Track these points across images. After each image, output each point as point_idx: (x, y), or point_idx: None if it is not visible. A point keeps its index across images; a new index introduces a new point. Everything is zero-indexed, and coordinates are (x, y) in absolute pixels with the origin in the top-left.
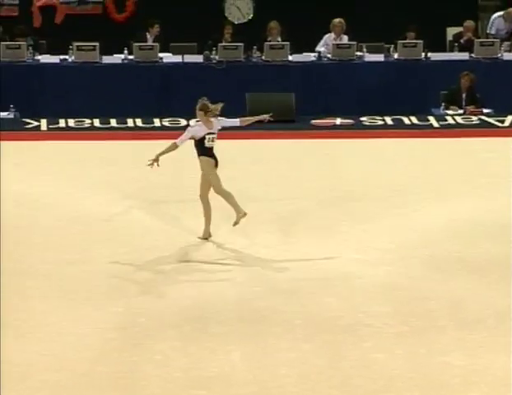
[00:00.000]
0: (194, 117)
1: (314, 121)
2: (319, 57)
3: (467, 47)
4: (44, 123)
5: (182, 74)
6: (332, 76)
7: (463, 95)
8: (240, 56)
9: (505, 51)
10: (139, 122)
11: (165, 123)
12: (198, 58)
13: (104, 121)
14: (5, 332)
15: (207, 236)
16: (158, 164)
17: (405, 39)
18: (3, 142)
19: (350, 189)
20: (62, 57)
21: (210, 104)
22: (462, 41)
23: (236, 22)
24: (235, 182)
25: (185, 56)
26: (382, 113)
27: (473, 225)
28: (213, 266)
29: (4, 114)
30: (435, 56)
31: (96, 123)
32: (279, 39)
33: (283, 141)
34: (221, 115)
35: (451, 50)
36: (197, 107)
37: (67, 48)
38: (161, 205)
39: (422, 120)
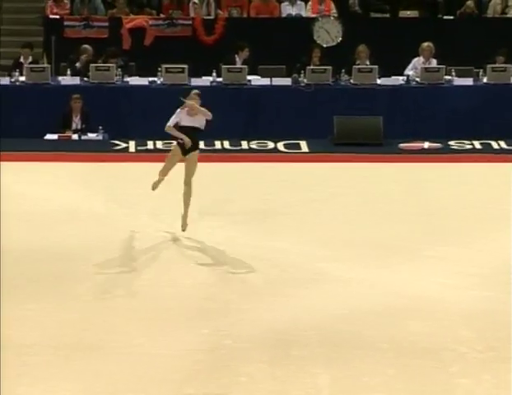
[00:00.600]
0: (282, 139)
1: (401, 144)
2: (408, 80)
3: None
4: (132, 145)
5: (270, 97)
6: (421, 100)
7: None
8: (329, 79)
9: None
10: (226, 144)
11: (253, 145)
12: (287, 81)
13: None
14: (91, 353)
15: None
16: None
17: (494, 63)
18: (92, 164)
19: (436, 213)
20: (150, 79)
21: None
22: None
23: (325, 45)
24: (319, 204)
25: (274, 79)
26: (470, 138)
27: None
28: (298, 290)
29: (93, 136)
30: None
31: None
32: (367, 62)
33: (371, 164)
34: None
35: None
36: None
37: (156, 70)
38: (247, 225)
39: (511, 145)
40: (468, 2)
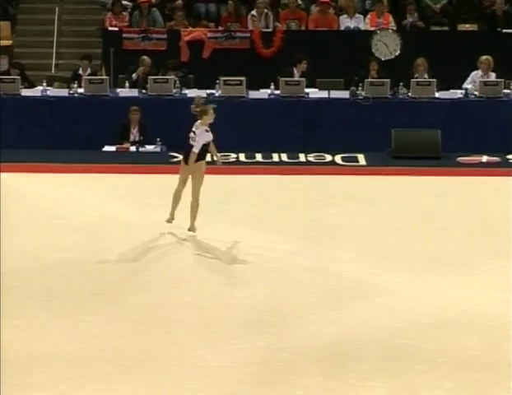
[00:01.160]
0: (340, 152)
1: (459, 158)
2: (466, 94)
3: None
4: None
5: (328, 109)
6: (479, 114)
7: None
8: (387, 92)
9: None
10: (284, 157)
11: (310, 158)
12: (345, 94)
13: (250, 155)
14: (149, 364)
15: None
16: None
17: None
18: (150, 176)
19: (495, 227)
20: (208, 91)
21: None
22: None
23: (383, 59)
24: (376, 216)
25: (331, 91)
26: None
27: None
28: (354, 302)
29: (151, 148)
30: None
31: (242, 157)
32: (426, 75)
33: (429, 177)
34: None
35: None
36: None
37: (214, 82)
38: (304, 240)
39: None
40: None
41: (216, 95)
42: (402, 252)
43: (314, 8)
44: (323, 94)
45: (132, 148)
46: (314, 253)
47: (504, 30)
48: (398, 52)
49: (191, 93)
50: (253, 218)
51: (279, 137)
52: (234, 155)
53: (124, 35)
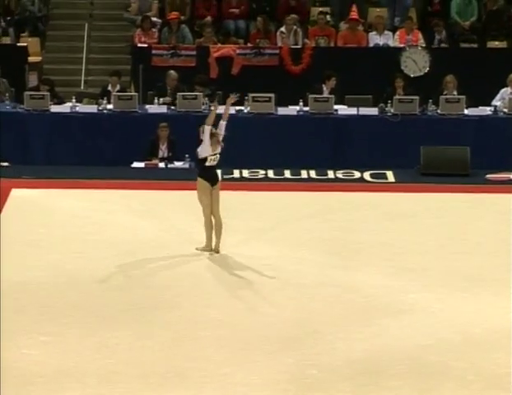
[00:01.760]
0: (368, 169)
1: (488, 175)
2: (495, 111)
3: None
4: (218, 173)
5: (356, 126)
6: (508, 131)
7: None
8: (415, 109)
9: None
10: (313, 173)
11: (339, 174)
12: (373, 111)
13: (279, 172)
14: (178, 380)
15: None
16: None
17: None
18: (178, 192)
19: None
20: (237, 108)
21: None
22: None
23: (412, 75)
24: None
25: (360, 108)
26: None
27: None
28: (385, 320)
29: (179, 164)
30: None
31: (270, 174)
32: (455, 92)
33: (458, 194)
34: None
35: None
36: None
37: (243, 99)
38: (333, 256)
39: None
40: None
41: (245, 111)
42: (434, 269)
43: (343, 25)
44: (352, 110)
45: (161, 164)
46: (342, 270)
47: None
48: (427, 69)
49: (220, 110)
50: (281, 234)
51: (308, 154)
52: (262, 172)
53: (153, 52)
